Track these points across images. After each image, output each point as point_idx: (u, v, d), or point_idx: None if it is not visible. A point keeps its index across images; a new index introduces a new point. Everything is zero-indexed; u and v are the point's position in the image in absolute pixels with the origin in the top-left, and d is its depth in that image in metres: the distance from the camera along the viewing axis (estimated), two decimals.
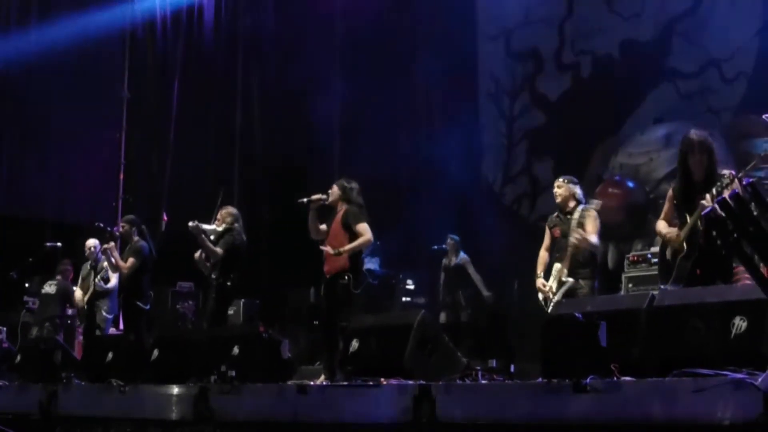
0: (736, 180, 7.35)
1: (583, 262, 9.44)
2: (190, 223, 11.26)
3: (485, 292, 14.50)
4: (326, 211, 10.47)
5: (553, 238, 9.67)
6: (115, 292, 13.15)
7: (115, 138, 18.48)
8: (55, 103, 17.86)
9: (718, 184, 7.27)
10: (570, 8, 16.30)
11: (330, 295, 10.11)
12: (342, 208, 10.23)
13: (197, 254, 11.56)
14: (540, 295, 9.56)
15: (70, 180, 17.96)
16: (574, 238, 9.31)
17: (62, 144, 17.88)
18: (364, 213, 10.26)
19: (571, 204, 9.63)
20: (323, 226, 10.36)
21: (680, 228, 7.65)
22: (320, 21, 18.40)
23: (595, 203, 9.67)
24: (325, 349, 10.16)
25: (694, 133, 7.81)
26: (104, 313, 13.21)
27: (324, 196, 10.28)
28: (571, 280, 9.31)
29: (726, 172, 7.41)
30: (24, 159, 17.63)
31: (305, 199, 10.25)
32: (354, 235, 10.16)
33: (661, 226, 7.90)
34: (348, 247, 10.04)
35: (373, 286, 14.43)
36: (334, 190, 10.30)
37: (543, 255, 9.73)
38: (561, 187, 9.70)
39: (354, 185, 10.41)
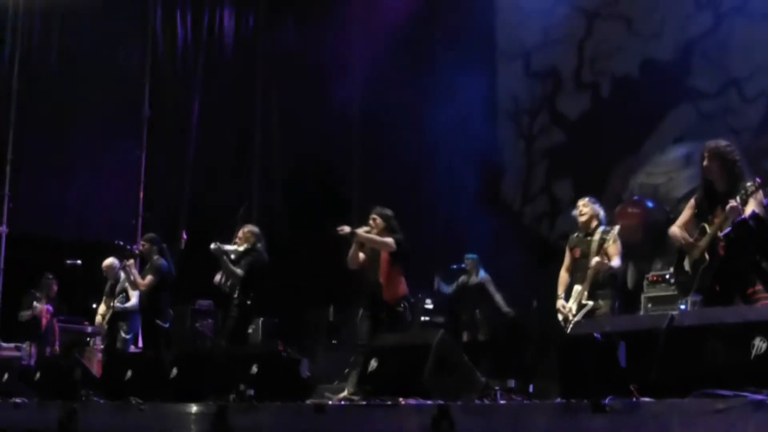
0: (760, 188, 7.30)
1: (602, 282, 9.42)
2: (212, 245, 11.29)
3: (506, 309, 14.47)
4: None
5: (573, 259, 9.67)
6: (134, 313, 13.16)
7: (135, 156, 18.53)
8: (77, 122, 17.94)
9: (743, 192, 7.23)
10: (589, 28, 16.31)
11: (382, 322, 10.23)
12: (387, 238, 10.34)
13: (217, 278, 11.61)
14: (560, 316, 9.55)
15: (91, 198, 18.02)
16: (594, 261, 9.30)
17: (83, 162, 17.95)
18: (405, 243, 10.42)
19: (593, 224, 9.63)
20: (362, 255, 10.46)
21: (698, 238, 7.61)
22: (340, 40, 18.45)
23: (616, 228, 9.66)
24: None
25: (709, 141, 7.81)
26: (123, 334, 13.20)
27: (368, 229, 10.37)
28: (591, 303, 9.30)
29: (750, 181, 7.36)
30: (45, 177, 17.70)
31: (350, 232, 10.30)
32: (403, 266, 10.40)
33: (676, 230, 7.86)
34: (374, 237, 10.27)
35: None
36: (378, 222, 10.40)
37: (563, 275, 9.72)
38: (586, 207, 9.69)
39: (390, 213, 10.49)
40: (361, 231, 10.34)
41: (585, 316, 9.19)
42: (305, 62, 18.69)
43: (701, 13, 14.74)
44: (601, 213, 9.74)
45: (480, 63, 17.01)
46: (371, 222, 10.43)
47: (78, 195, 17.97)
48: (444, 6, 17.80)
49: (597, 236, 9.53)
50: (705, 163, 7.67)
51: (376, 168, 17.60)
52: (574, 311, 9.35)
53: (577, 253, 9.61)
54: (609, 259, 9.35)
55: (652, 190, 14.57)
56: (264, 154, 19.18)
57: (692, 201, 7.94)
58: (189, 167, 18.84)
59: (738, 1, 14.30)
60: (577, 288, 9.45)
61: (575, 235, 9.78)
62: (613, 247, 9.43)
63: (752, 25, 14.03)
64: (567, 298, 9.52)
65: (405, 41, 17.69)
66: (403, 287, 10.30)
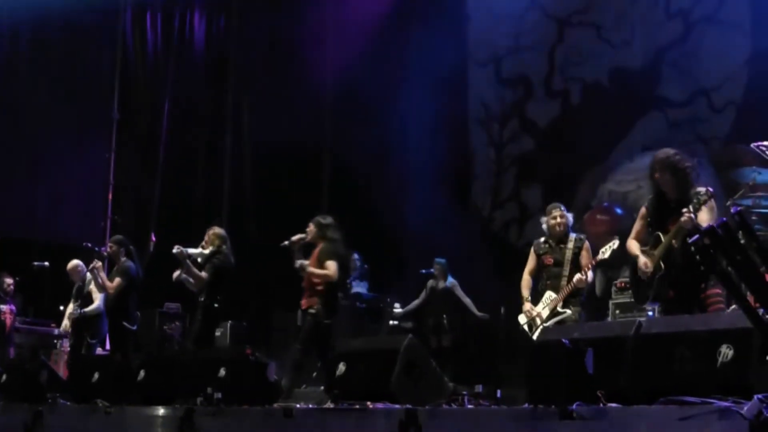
0: (712, 197, 7.36)
1: (574, 291, 9.50)
2: (175, 249, 11.20)
3: (478, 314, 14.47)
4: (311, 248, 10.80)
5: (542, 265, 9.71)
6: (99, 317, 13.02)
7: (104, 158, 18.45)
8: (45, 123, 17.84)
9: (695, 201, 7.27)
10: (560, 35, 16.35)
11: (303, 326, 10.67)
12: (319, 245, 10.46)
13: (176, 273, 11.51)
14: (523, 318, 9.60)
15: (59, 200, 17.94)
16: (577, 278, 9.36)
17: (52, 164, 17.85)
18: (338, 248, 10.65)
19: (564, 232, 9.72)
20: (307, 262, 10.58)
21: (652, 247, 7.67)
22: (311, 45, 18.41)
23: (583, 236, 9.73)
24: (292, 370, 10.47)
25: (659, 151, 7.87)
26: (88, 339, 13.04)
27: (303, 236, 10.59)
28: (568, 311, 9.37)
29: (702, 189, 7.41)
30: (13, 179, 17.59)
31: (287, 242, 10.63)
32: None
33: (634, 247, 7.92)
34: (313, 269, 10.47)
35: (361, 309, 14.45)
36: (311, 228, 10.72)
37: (527, 278, 9.82)
38: (563, 217, 9.74)
39: (329, 221, 10.73)
40: (296, 239, 10.62)
41: (556, 323, 9.26)
42: (275, 65, 18.65)
43: (671, 21, 14.81)
44: (570, 221, 9.85)
45: (452, 68, 17.01)
46: (307, 229, 10.69)
47: (46, 197, 17.89)
48: (417, 11, 17.76)
49: (570, 245, 9.60)
50: (657, 175, 7.73)
51: (346, 174, 17.58)
52: (543, 316, 9.41)
53: (549, 260, 9.67)
54: (585, 272, 9.44)
55: (621, 197, 14.62)
56: (234, 157, 19.11)
57: (643, 210, 8.02)
58: (158, 170, 18.78)
59: (708, 11, 14.38)
60: (550, 294, 9.52)
61: (543, 240, 9.81)
62: (588, 258, 9.53)
63: (721, 35, 14.12)
64: (534, 302, 9.59)
65: (377, 43, 17.66)
66: (323, 294, 10.49)
